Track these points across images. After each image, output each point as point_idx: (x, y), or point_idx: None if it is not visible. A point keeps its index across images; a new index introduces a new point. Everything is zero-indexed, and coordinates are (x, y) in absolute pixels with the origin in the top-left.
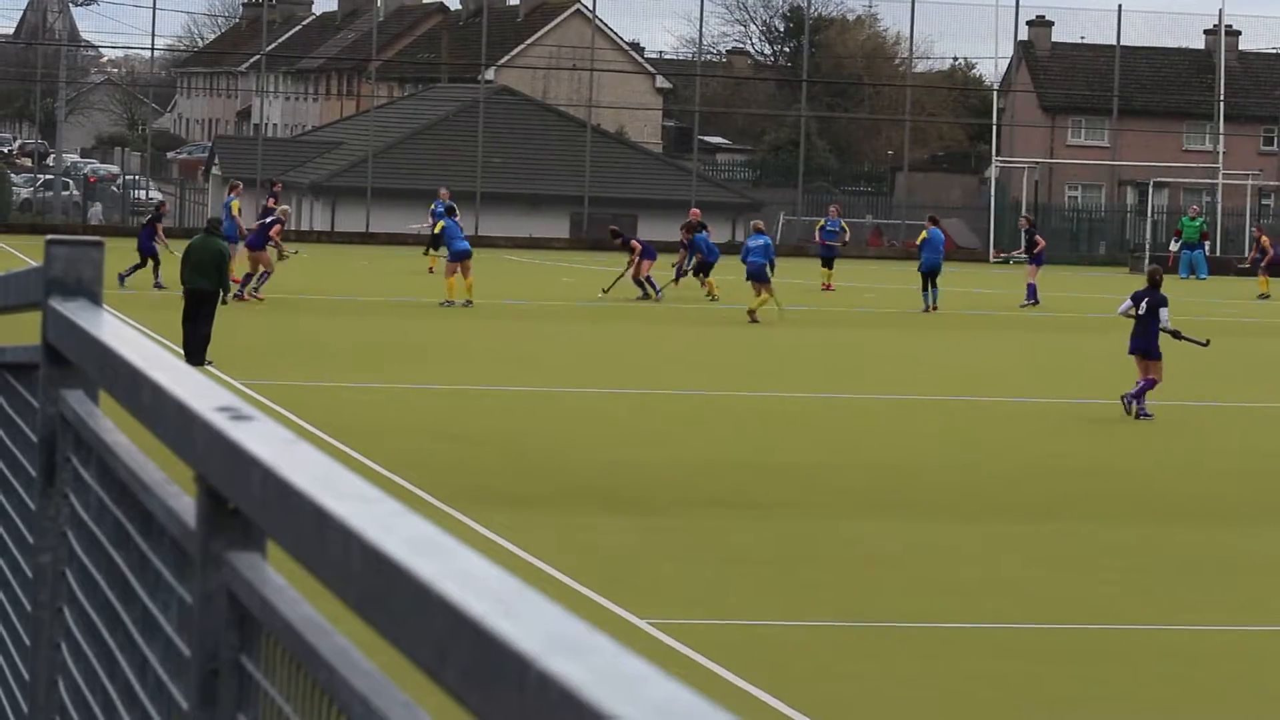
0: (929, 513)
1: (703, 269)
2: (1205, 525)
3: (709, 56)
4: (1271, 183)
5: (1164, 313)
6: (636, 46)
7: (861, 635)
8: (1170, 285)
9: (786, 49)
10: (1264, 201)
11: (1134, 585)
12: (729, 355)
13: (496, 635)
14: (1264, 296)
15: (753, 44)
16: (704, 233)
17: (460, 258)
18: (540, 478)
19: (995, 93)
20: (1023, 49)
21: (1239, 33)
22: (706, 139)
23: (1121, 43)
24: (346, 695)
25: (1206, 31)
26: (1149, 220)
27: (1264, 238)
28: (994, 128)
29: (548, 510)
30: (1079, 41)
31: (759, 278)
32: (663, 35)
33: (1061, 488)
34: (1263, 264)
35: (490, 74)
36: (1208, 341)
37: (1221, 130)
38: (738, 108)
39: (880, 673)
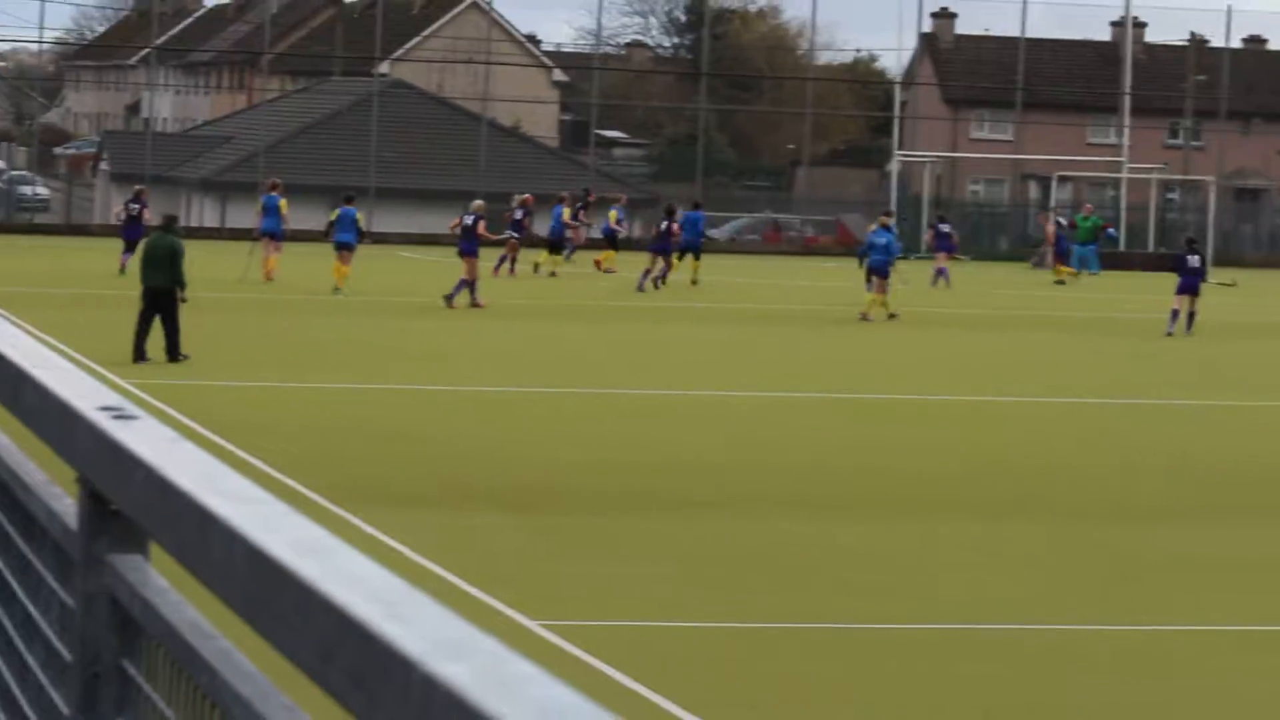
0: (835, 513)
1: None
2: (1142, 524)
3: (607, 49)
4: (1176, 176)
5: None
6: (533, 39)
7: (760, 636)
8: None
9: (687, 41)
10: (1169, 195)
11: (1067, 584)
12: (627, 352)
13: (382, 638)
14: (1061, 282)
15: (652, 36)
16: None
17: (341, 248)
18: (433, 477)
19: (897, 86)
20: (926, 41)
21: (1145, 24)
22: (604, 133)
23: (1026, 34)
24: (229, 699)
25: (1113, 23)
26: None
27: (1049, 226)
28: (896, 121)
29: (440, 510)
30: (983, 33)
31: (880, 273)
32: (560, 28)
33: (979, 486)
34: (1050, 249)
35: (385, 67)
36: None
37: (1127, 124)
38: (636, 101)
39: (779, 674)
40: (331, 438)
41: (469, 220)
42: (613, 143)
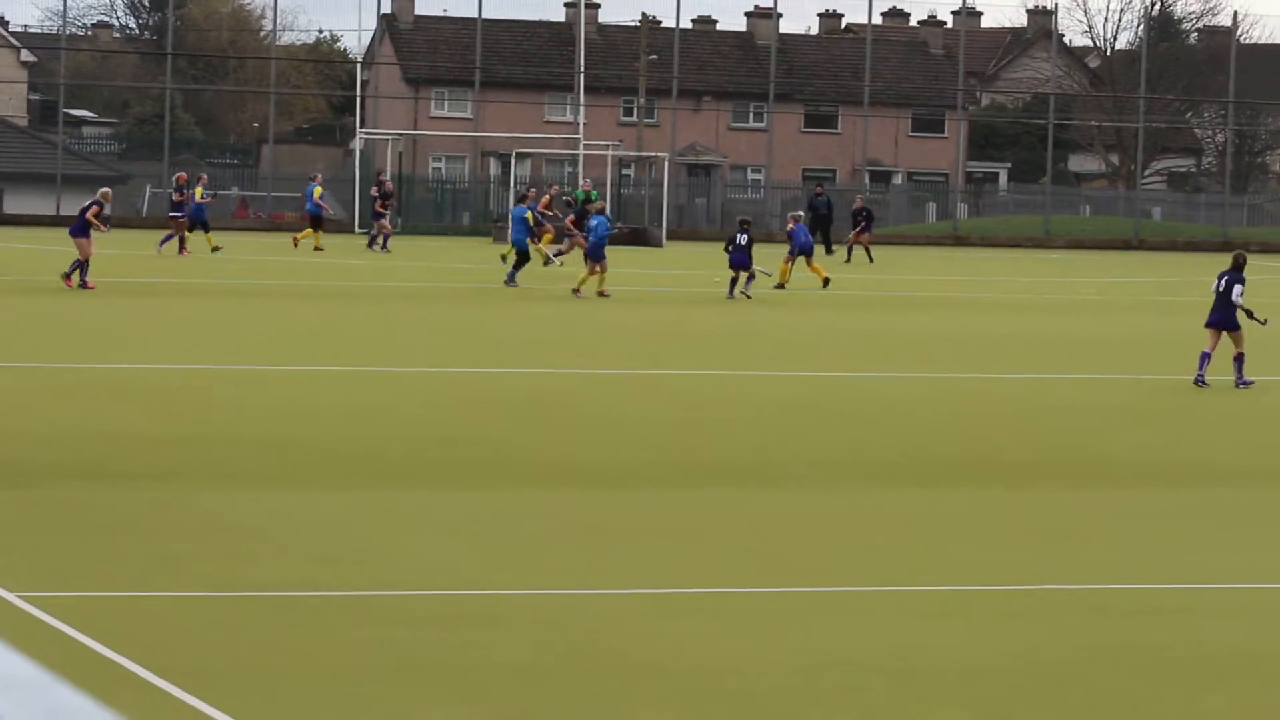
0: (293, 483)
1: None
2: (569, 488)
3: (74, 30)
4: (631, 153)
5: (1238, 289)
6: (1, 20)
7: (230, 604)
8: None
9: (152, 22)
10: (624, 171)
11: (503, 551)
12: (90, 325)
13: None
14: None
15: (118, 17)
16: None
17: None
18: None
19: (359, 65)
20: (386, 22)
21: (599, 5)
22: (72, 112)
23: (483, 15)
24: None
25: (567, 4)
26: (512, 190)
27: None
28: (358, 100)
29: None
30: (441, 14)
31: (595, 256)
32: (27, 9)
33: (427, 455)
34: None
35: None
36: (1265, 321)
37: (582, 102)
38: (104, 80)
39: (247, 640)
40: None
41: (86, 204)
42: (81, 121)
